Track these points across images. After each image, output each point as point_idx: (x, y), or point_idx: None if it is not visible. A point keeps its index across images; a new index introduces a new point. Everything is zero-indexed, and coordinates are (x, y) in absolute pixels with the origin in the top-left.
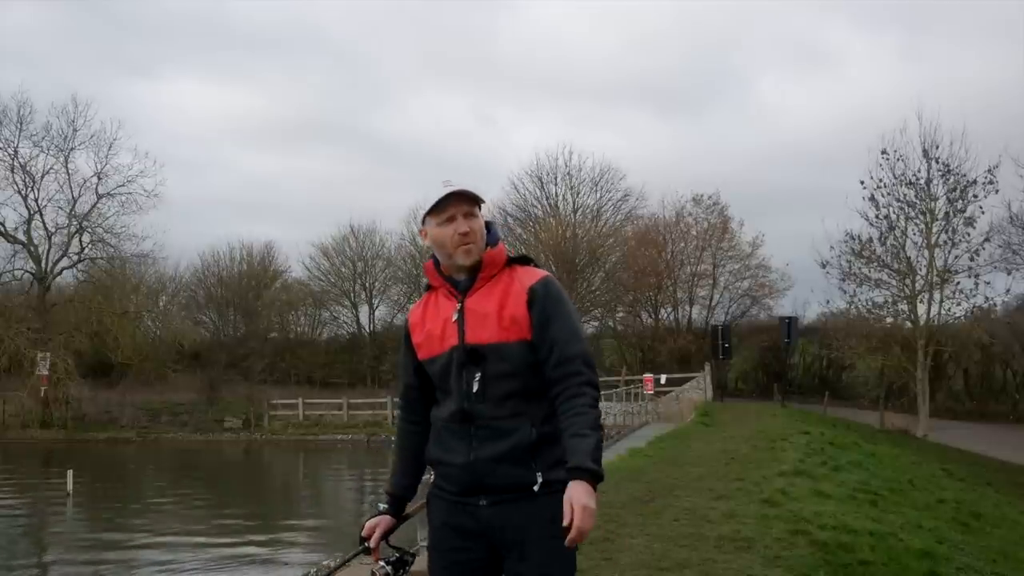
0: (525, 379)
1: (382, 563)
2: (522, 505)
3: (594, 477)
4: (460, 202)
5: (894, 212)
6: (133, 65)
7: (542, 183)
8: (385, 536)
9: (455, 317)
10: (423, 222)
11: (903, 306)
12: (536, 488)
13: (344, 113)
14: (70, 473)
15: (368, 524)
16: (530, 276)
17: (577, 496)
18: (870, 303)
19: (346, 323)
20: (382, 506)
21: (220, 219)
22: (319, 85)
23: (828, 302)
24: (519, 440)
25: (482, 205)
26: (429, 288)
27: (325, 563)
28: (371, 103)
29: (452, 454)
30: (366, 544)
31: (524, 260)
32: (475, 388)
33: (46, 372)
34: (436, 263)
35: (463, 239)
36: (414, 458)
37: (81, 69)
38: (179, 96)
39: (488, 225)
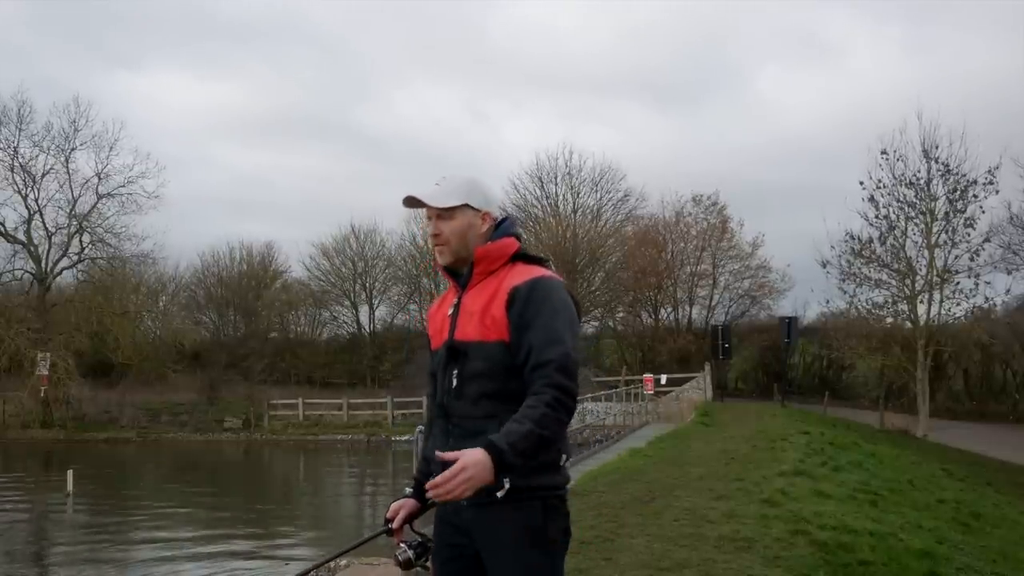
0: (501, 381)
1: (404, 546)
2: (493, 511)
3: (498, 457)
4: (428, 205)
5: (894, 212)
6: (116, 57)
7: (542, 183)
8: (409, 520)
9: (451, 312)
10: None
11: (903, 306)
12: (500, 494)
13: (334, 109)
14: (70, 473)
15: (392, 506)
16: (521, 275)
17: (466, 456)
18: (870, 303)
19: (346, 323)
20: (408, 490)
21: (212, 217)
22: (307, 79)
23: (828, 302)
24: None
25: (479, 203)
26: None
27: (344, 562)
28: (360, 98)
29: (436, 450)
30: (389, 526)
31: (532, 259)
32: (453, 384)
33: (46, 372)
34: None
35: (434, 240)
36: None
37: (61, 61)
38: (162, 89)
39: (502, 220)
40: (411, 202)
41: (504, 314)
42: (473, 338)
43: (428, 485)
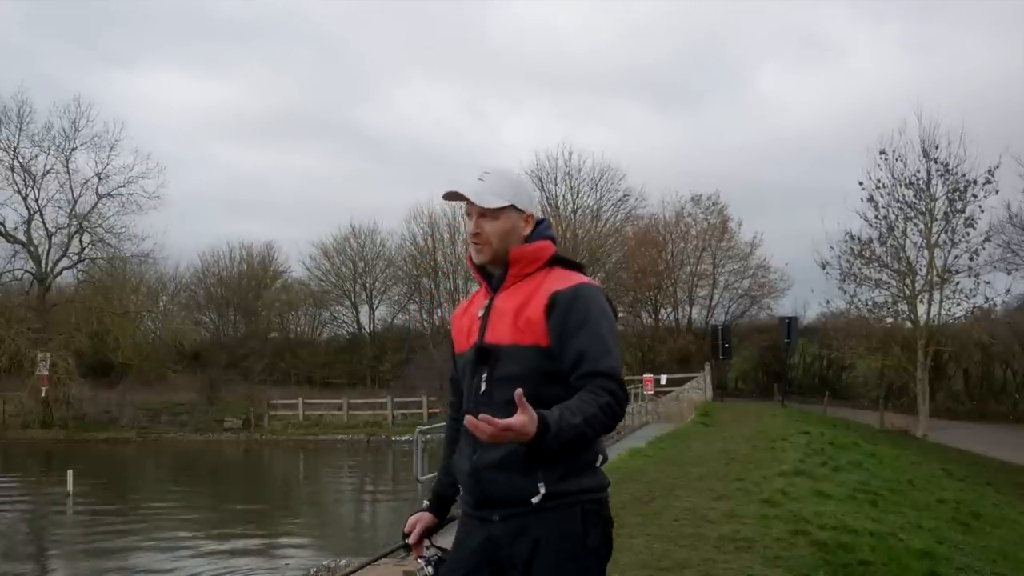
0: (534, 386)
1: (422, 562)
2: (528, 520)
3: (542, 434)
4: (470, 201)
5: (893, 212)
6: (113, 56)
7: (542, 183)
8: (427, 534)
9: (481, 314)
10: None
11: (903, 306)
12: (536, 500)
13: (333, 108)
14: (70, 473)
15: (409, 520)
16: (562, 281)
17: (520, 423)
18: (870, 303)
19: (346, 323)
20: (425, 502)
21: (212, 217)
22: (306, 79)
23: (828, 302)
24: (518, 447)
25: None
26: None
27: (344, 562)
28: (359, 97)
29: (462, 459)
30: (406, 541)
31: (570, 264)
32: (482, 388)
33: (46, 372)
34: None
35: (472, 239)
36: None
37: (58, 60)
38: (160, 88)
39: (539, 222)
40: (452, 196)
41: (543, 318)
42: (506, 341)
43: (478, 419)
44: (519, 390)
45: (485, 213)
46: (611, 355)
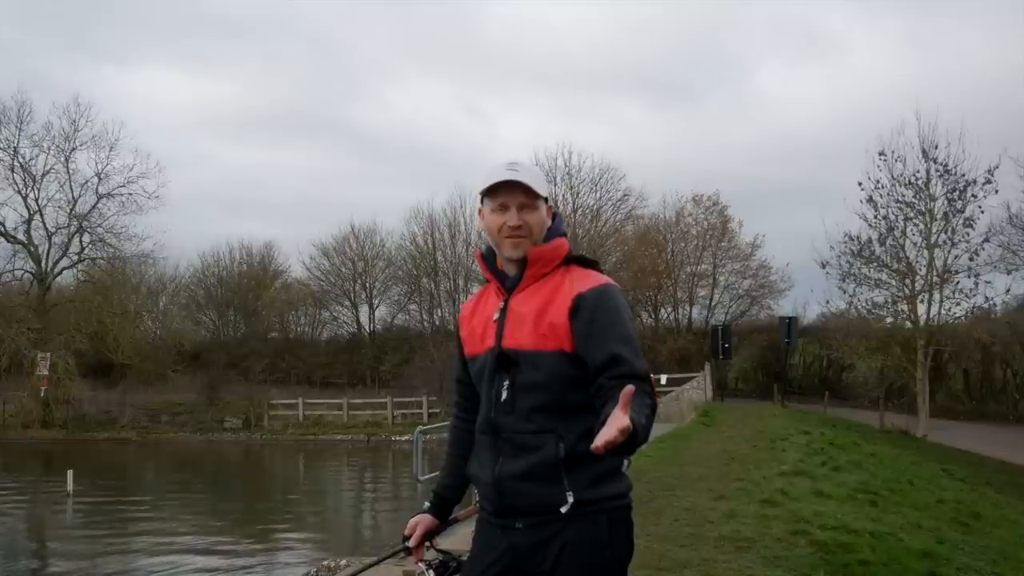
0: (558, 393)
1: (422, 565)
2: (555, 529)
3: (633, 434)
4: (516, 191)
5: (893, 213)
6: (104, 53)
7: None
8: (428, 537)
9: (496, 316)
10: (481, 202)
11: (903, 306)
12: (564, 510)
13: (329, 106)
14: (70, 473)
15: (410, 523)
16: (584, 281)
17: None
18: (870, 303)
19: (346, 323)
20: (426, 504)
21: (209, 216)
22: (302, 77)
23: (828, 302)
24: (543, 457)
25: (547, 199)
26: (487, 280)
27: (344, 562)
28: (355, 96)
29: (482, 469)
30: (406, 544)
31: (587, 262)
32: (503, 396)
33: (46, 372)
34: (492, 253)
35: (512, 231)
36: (461, 457)
37: (48, 56)
38: (154, 86)
39: (552, 218)
40: (497, 187)
41: (567, 321)
42: (528, 347)
43: (605, 444)
44: (629, 387)
45: (527, 204)
46: (642, 358)
